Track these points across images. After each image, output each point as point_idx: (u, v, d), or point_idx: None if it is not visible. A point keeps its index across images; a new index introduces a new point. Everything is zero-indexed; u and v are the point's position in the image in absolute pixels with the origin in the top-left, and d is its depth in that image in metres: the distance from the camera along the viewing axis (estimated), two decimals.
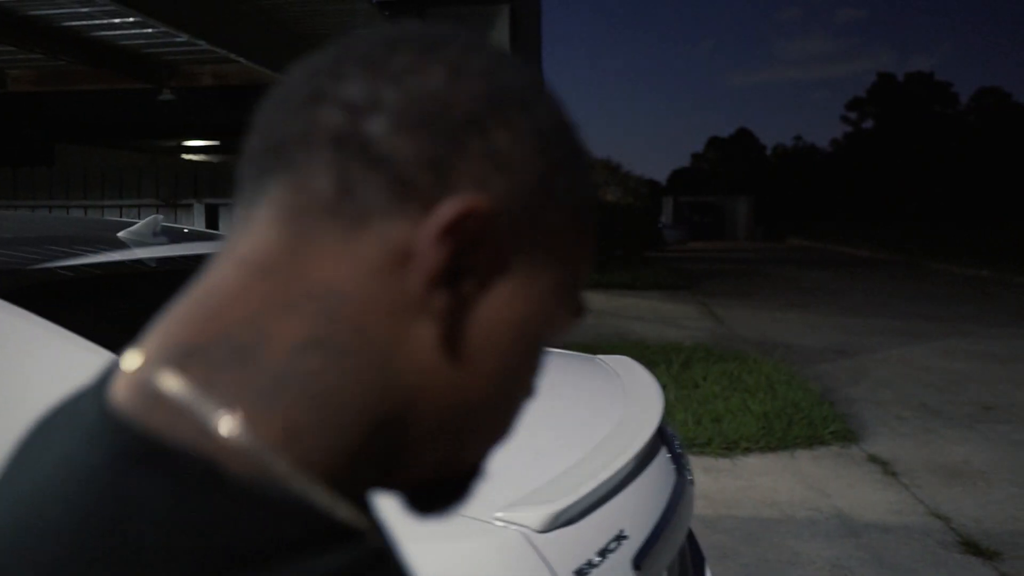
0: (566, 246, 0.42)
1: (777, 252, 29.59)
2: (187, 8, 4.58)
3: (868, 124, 53.82)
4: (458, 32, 0.41)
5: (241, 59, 5.13)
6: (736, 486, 4.50)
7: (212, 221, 6.04)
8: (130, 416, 0.36)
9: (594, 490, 1.28)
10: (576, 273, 0.43)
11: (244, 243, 0.39)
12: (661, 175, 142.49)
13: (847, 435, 5.41)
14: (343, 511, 0.36)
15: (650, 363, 7.44)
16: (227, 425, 0.35)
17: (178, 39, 4.90)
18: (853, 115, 55.50)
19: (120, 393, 0.37)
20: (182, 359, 0.37)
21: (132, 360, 0.38)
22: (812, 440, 5.28)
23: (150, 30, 4.98)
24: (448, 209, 0.36)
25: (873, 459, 4.95)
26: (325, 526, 0.35)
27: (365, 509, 0.39)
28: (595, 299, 13.47)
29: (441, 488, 0.44)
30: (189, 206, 6.02)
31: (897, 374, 7.53)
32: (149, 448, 0.34)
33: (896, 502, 4.27)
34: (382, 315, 0.37)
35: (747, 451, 5.08)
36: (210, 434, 0.35)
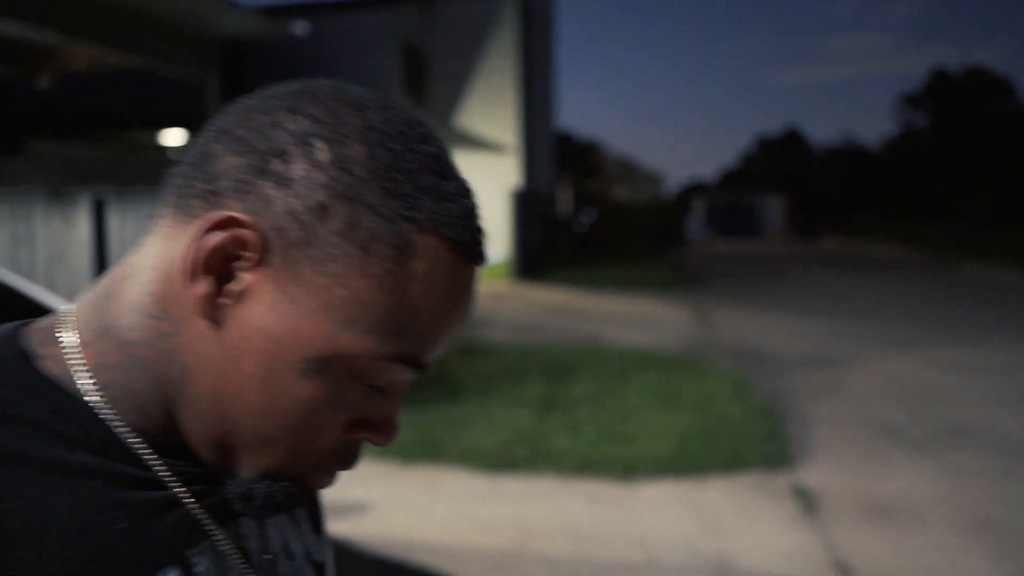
0: (346, 277, 0.46)
1: (806, 253, 28.45)
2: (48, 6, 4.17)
3: (922, 122, 51.82)
4: (323, 84, 0.50)
5: (107, 47, 4.69)
6: (615, 519, 3.89)
7: (99, 215, 5.62)
8: (31, 346, 0.50)
9: None
10: (366, 310, 0.47)
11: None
12: (710, 174, 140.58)
13: (778, 459, 4.75)
14: (108, 432, 0.48)
15: (589, 370, 6.83)
16: (69, 348, 0.50)
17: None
18: (906, 112, 53.56)
19: (31, 336, 0.52)
20: (67, 313, 0.52)
21: (45, 320, 0.53)
22: (734, 465, 4.63)
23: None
24: (210, 216, 0.46)
25: (797, 490, 4.29)
26: (97, 437, 0.48)
27: (183, 455, 0.50)
28: (579, 299, 12.83)
29: (256, 490, 0.51)
30: (74, 198, 5.62)
31: (870, 387, 6.79)
32: (30, 356, 0.49)
33: (798, 546, 3.62)
34: (178, 304, 0.48)
35: (652, 476, 4.46)
36: (55, 350, 0.50)
